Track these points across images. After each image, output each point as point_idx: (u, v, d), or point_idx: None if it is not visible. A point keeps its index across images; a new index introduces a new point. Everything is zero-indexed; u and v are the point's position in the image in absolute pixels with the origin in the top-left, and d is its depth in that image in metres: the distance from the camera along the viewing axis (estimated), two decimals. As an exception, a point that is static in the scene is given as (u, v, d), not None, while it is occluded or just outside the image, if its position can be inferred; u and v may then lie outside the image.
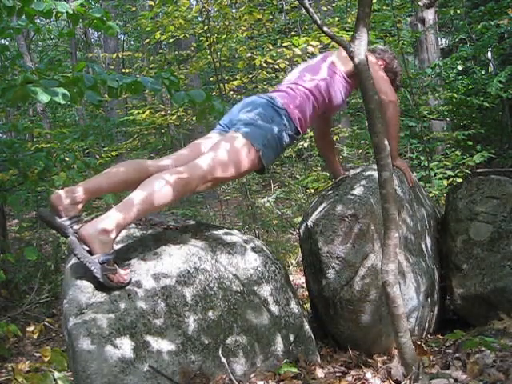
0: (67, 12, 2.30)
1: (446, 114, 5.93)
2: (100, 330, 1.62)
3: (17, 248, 5.27)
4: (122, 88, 2.08)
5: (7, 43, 8.92)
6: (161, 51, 7.49)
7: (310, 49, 4.49)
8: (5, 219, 4.55)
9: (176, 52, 6.60)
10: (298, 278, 3.94)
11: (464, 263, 2.31)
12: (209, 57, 5.31)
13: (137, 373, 1.62)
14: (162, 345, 1.69)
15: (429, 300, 2.30)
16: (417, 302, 2.22)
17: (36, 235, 5.69)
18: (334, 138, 5.22)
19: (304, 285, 3.08)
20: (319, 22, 1.63)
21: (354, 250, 2.05)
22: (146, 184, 1.79)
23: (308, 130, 3.83)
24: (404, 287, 2.16)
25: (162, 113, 5.97)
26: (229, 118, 2.21)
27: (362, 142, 6.23)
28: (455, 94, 5.39)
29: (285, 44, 4.82)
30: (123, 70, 7.96)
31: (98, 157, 5.92)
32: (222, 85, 5.24)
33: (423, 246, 2.37)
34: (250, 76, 5.44)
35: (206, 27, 4.97)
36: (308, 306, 2.66)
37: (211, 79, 7.19)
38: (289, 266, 4.22)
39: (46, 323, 3.40)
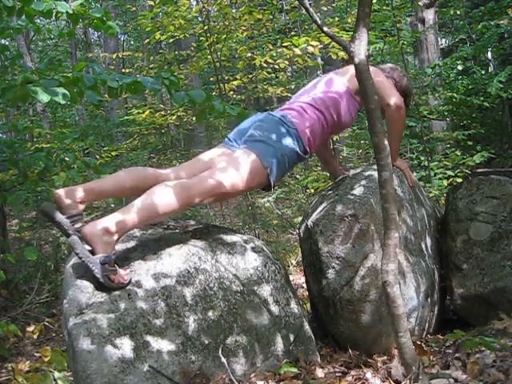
0: (67, 12, 2.30)
1: (446, 113, 5.93)
2: (100, 330, 1.62)
3: (17, 248, 5.27)
4: (121, 88, 2.08)
5: (7, 43, 8.92)
6: (161, 51, 7.49)
7: (310, 49, 4.49)
8: (5, 219, 4.55)
9: (176, 52, 6.59)
10: (298, 278, 3.94)
11: (464, 263, 2.31)
12: (209, 57, 5.31)
13: (137, 373, 1.62)
14: (162, 345, 1.69)
15: (429, 300, 2.30)
16: (417, 302, 2.22)
17: (36, 235, 5.69)
18: (334, 138, 5.23)
19: (304, 285, 3.08)
20: (319, 21, 1.63)
21: (354, 250, 2.05)
22: (151, 191, 1.80)
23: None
24: (404, 287, 2.16)
25: (162, 113, 5.97)
26: (239, 133, 2.21)
27: (362, 142, 6.23)
28: (455, 94, 5.39)
29: (285, 44, 4.81)
30: (123, 70, 7.95)
31: (97, 157, 5.92)
32: (221, 85, 5.24)
33: (423, 245, 2.37)
34: (250, 76, 5.44)
35: (206, 27, 4.97)
36: (308, 306, 2.65)
37: (211, 79, 7.19)
38: (289, 266, 4.22)
39: (46, 323, 3.40)
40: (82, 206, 1.82)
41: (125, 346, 1.63)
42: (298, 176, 6.67)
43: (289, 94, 6.01)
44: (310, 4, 1.81)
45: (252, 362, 1.84)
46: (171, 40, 5.36)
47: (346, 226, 2.06)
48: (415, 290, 2.22)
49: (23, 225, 6.32)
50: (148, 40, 5.71)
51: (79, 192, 1.82)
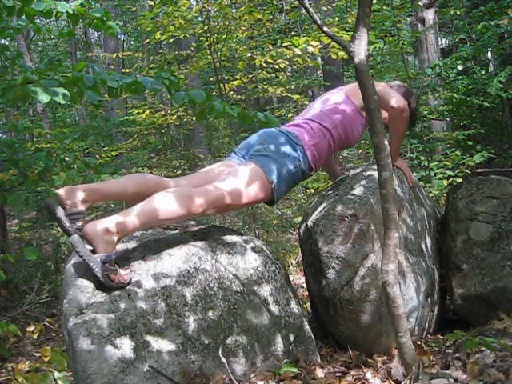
0: (67, 12, 2.29)
1: (446, 113, 5.93)
2: (100, 330, 1.62)
3: (17, 248, 5.27)
4: (121, 88, 2.07)
5: (7, 43, 8.92)
6: (161, 51, 7.49)
7: (310, 49, 4.49)
8: (5, 219, 4.56)
9: (176, 52, 6.59)
10: (298, 278, 3.94)
11: (464, 263, 2.31)
12: (209, 57, 5.31)
13: (137, 373, 1.62)
14: (162, 345, 1.69)
15: (429, 300, 2.30)
16: (417, 302, 2.22)
17: (36, 235, 5.69)
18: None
19: (304, 285, 3.08)
20: (319, 21, 1.63)
21: (354, 250, 2.05)
22: (153, 197, 1.81)
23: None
24: (404, 287, 2.16)
25: (162, 113, 5.97)
26: (245, 148, 2.24)
27: (362, 141, 6.23)
28: (455, 94, 5.39)
29: (285, 44, 4.81)
30: (123, 70, 7.96)
31: (97, 157, 5.91)
32: (221, 85, 5.24)
33: (423, 245, 2.37)
34: (250, 76, 5.44)
35: (206, 27, 4.97)
36: (308, 305, 2.66)
37: (211, 79, 7.19)
38: (289, 266, 4.22)
39: (46, 323, 3.40)
40: (84, 206, 1.83)
41: (125, 346, 1.63)
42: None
43: (289, 94, 6.01)
44: (310, 4, 1.81)
45: (252, 362, 1.84)
46: (171, 40, 5.36)
47: (346, 226, 2.06)
48: (415, 290, 2.22)
49: (23, 225, 6.33)
50: (148, 40, 5.71)
51: (82, 191, 1.82)
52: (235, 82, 5.25)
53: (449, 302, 2.52)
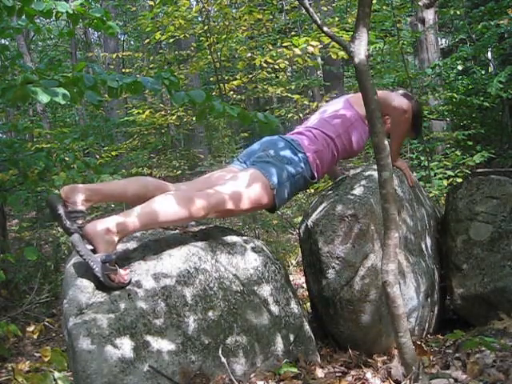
0: (67, 12, 2.30)
1: (446, 113, 5.94)
2: (100, 330, 1.62)
3: (17, 248, 5.27)
4: (121, 88, 2.08)
5: (7, 43, 8.91)
6: (161, 51, 7.49)
7: (310, 49, 4.50)
8: (5, 219, 4.55)
9: (176, 52, 6.60)
10: (298, 278, 3.94)
11: (464, 263, 2.31)
12: (209, 57, 5.32)
13: (137, 373, 1.62)
14: (162, 345, 1.69)
15: (429, 300, 2.30)
16: (417, 302, 2.22)
17: (36, 235, 5.69)
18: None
19: (304, 285, 3.08)
20: (319, 21, 1.63)
21: (354, 250, 2.05)
22: (153, 199, 1.82)
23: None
24: (404, 287, 2.16)
25: (162, 113, 5.97)
26: (248, 155, 2.24)
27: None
28: (455, 94, 5.40)
29: (285, 44, 4.82)
30: (123, 70, 7.96)
31: (97, 157, 5.92)
32: (222, 85, 5.24)
33: (423, 246, 2.37)
34: (250, 76, 5.44)
35: (206, 27, 4.98)
36: (308, 305, 2.66)
37: (211, 79, 7.20)
38: (289, 266, 4.22)
39: (46, 323, 3.40)
40: (84, 206, 1.83)
41: (125, 346, 1.63)
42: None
43: (289, 94, 6.01)
44: (310, 4, 1.81)
45: (252, 362, 1.84)
46: (171, 40, 5.36)
47: (346, 226, 2.06)
48: (415, 290, 2.22)
49: (23, 225, 6.32)
50: (148, 40, 5.72)
51: (83, 191, 1.82)
52: (235, 82, 5.26)
53: (449, 301, 2.52)
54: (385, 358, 2.05)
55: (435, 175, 4.57)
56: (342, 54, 4.67)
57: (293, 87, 6.56)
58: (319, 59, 6.73)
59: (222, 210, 1.96)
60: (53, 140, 5.18)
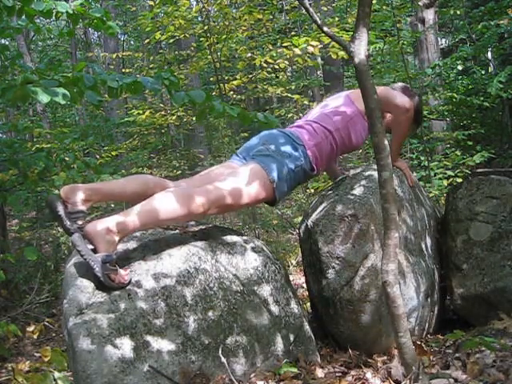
0: (67, 12, 2.30)
1: (446, 113, 5.94)
2: (100, 329, 1.62)
3: (17, 248, 5.27)
4: (121, 88, 2.08)
5: (7, 43, 8.91)
6: (161, 51, 7.49)
7: (310, 49, 4.50)
8: (5, 219, 4.55)
9: (176, 52, 6.60)
10: (298, 278, 3.94)
11: (464, 263, 2.31)
12: (209, 57, 5.31)
13: (137, 373, 1.62)
14: (162, 345, 1.69)
15: (429, 300, 2.30)
16: (417, 302, 2.22)
17: (36, 235, 5.69)
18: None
19: (304, 285, 3.08)
20: (319, 21, 1.63)
21: (354, 250, 2.05)
22: (154, 197, 1.81)
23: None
24: (404, 287, 2.16)
25: (162, 113, 5.97)
26: (247, 149, 2.24)
27: (362, 141, 6.22)
28: (455, 94, 5.40)
29: (285, 44, 4.82)
30: (123, 70, 7.96)
31: (97, 157, 5.92)
32: (222, 85, 5.24)
33: (423, 245, 2.37)
34: (250, 76, 5.44)
35: (206, 27, 4.98)
36: (308, 305, 2.65)
37: (211, 79, 7.20)
38: (289, 266, 4.22)
39: (46, 323, 3.40)
40: (85, 205, 1.83)
41: (125, 346, 1.63)
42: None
43: (289, 94, 6.01)
44: (310, 4, 1.81)
45: (252, 362, 1.84)
46: (171, 40, 5.36)
47: (346, 226, 2.06)
48: (415, 290, 2.22)
49: (23, 225, 6.32)
50: (148, 40, 5.72)
51: (83, 191, 1.82)
52: (235, 82, 5.26)
53: (449, 301, 2.52)
54: (385, 357, 2.05)
55: (435, 175, 4.57)
56: (342, 53, 4.67)
57: (293, 87, 6.56)
58: (319, 59, 6.73)
59: (222, 205, 1.95)
60: (53, 140, 5.19)
